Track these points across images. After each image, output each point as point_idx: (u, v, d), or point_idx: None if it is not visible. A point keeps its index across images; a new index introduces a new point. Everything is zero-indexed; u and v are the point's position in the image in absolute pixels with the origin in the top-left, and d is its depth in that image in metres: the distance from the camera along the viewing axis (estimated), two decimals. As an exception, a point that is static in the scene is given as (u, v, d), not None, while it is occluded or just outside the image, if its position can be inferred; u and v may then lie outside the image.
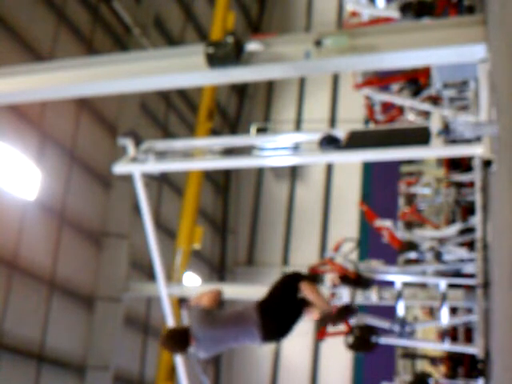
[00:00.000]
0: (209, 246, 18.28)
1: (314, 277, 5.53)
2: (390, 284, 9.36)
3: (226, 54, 5.20)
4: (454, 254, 9.59)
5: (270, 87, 20.90)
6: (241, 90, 20.55)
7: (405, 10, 7.24)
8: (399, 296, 8.87)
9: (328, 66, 5.52)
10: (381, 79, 8.80)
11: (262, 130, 17.27)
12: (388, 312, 9.11)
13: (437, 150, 5.26)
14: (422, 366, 15.13)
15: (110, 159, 9.66)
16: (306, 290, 5.02)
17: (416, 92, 8.92)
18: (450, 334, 11.51)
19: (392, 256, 10.56)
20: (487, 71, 4.59)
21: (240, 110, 20.67)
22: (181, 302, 5.86)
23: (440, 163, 12.81)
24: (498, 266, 4.10)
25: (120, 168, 6.36)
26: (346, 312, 4.96)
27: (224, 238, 19.53)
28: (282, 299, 5.05)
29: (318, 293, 5.06)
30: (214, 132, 17.13)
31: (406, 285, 9.65)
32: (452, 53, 4.98)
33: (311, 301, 4.99)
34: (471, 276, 8.96)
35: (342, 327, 8.05)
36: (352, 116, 16.95)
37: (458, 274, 9.48)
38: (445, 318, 8.76)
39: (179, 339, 4.97)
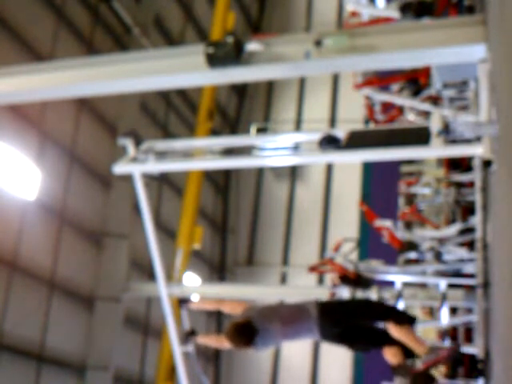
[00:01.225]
0: (209, 246, 18.28)
1: (409, 319, 5.13)
2: (390, 284, 9.38)
3: (226, 54, 5.21)
4: (454, 254, 9.59)
5: (270, 87, 20.90)
6: (241, 90, 20.55)
7: (405, 10, 7.24)
8: (399, 296, 8.88)
9: (328, 66, 5.52)
10: (381, 79, 8.80)
11: (261, 130, 17.27)
12: (388, 312, 9.10)
13: (437, 150, 5.25)
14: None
15: (110, 159, 9.66)
16: (397, 333, 4.74)
17: (416, 92, 8.92)
18: (450, 333, 11.51)
19: (392, 256, 10.56)
20: (487, 71, 4.59)
21: (240, 110, 20.67)
22: (180, 303, 5.85)
23: (440, 163, 12.80)
24: (498, 266, 4.10)
25: (120, 168, 6.35)
26: (425, 380, 4.73)
27: (224, 238, 19.52)
28: (352, 312, 4.97)
29: (413, 336, 4.79)
30: (214, 132, 17.13)
31: (405, 285, 9.66)
32: (452, 53, 4.98)
33: (403, 342, 4.75)
34: (471, 276, 8.96)
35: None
36: (352, 116, 16.94)
37: (458, 274, 9.49)
38: (445, 318, 8.77)
39: (245, 332, 4.99)
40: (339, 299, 5.18)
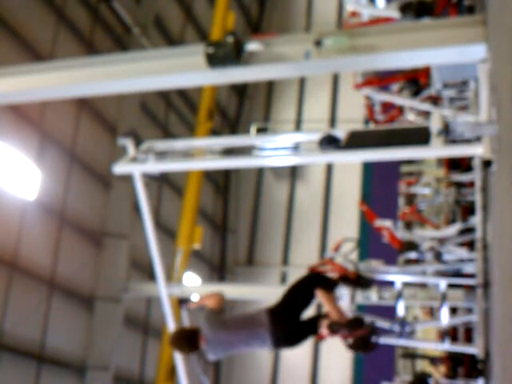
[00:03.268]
0: (209, 246, 18.28)
1: (333, 282, 5.44)
2: (390, 284, 9.37)
3: (226, 54, 5.20)
4: (454, 254, 9.59)
5: (270, 87, 20.90)
6: (241, 90, 20.55)
7: (405, 10, 7.24)
8: (399, 296, 8.87)
9: (328, 66, 5.52)
10: (381, 79, 8.80)
11: (261, 130, 17.27)
12: (388, 312, 9.12)
13: (437, 150, 5.26)
14: (422, 365, 15.13)
15: (110, 159, 9.67)
16: (321, 298, 4.98)
17: (416, 92, 8.92)
18: (450, 333, 11.50)
19: (392, 256, 10.56)
20: (487, 71, 4.59)
21: (240, 110, 20.66)
22: (180, 303, 5.84)
23: (440, 163, 12.81)
24: (498, 266, 4.10)
25: (120, 168, 6.36)
26: (355, 325, 4.89)
27: (224, 237, 19.52)
28: (296, 304, 4.98)
29: (333, 302, 4.98)
30: (214, 132, 17.13)
31: (406, 285, 9.65)
32: (452, 53, 4.98)
33: (325, 304, 4.94)
34: (471, 276, 8.96)
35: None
36: (352, 116, 16.95)
37: (458, 273, 9.48)
38: (445, 318, 8.76)
39: (189, 340, 4.94)
40: (284, 295, 5.08)
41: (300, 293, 5.09)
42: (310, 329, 4.98)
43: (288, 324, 4.90)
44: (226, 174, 19.78)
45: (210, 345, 4.91)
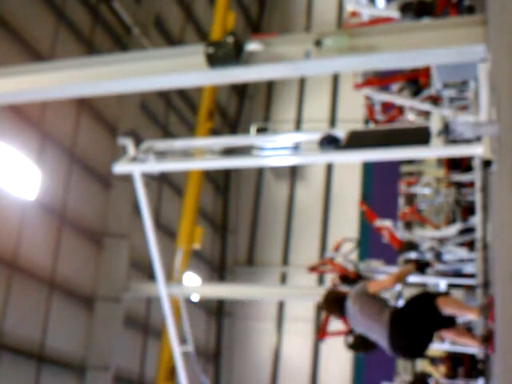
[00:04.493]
0: (209, 246, 18.28)
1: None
2: (390, 284, 9.34)
3: (226, 54, 5.20)
4: (454, 254, 9.59)
5: (270, 87, 20.90)
6: (241, 90, 20.55)
7: (405, 10, 7.24)
8: (399, 296, 8.86)
9: (328, 66, 5.51)
10: (381, 79, 8.79)
11: (262, 130, 17.25)
12: (388, 312, 9.09)
13: (437, 150, 5.26)
14: (422, 366, 15.12)
15: (110, 159, 9.66)
16: (446, 306, 4.98)
17: (416, 92, 8.91)
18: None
19: (392, 256, 10.56)
20: (487, 71, 4.59)
21: (240, 110, 20.67)
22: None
23: (440, 163, 12.80)
24: (498, 266, 4.10)
25: (120, 168, 6.36)
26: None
27: (224, 237, 19.52)
28: (419, 318, 4.98)
29: (459, 302, 5.13)
30: (214, 132, 17.13)
31: (405, 285, 9.64)
32: (452, 53, 4.97)
33: (456, 312, 5.03)
34: (471, 276, 8.96)
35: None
36: (352, 116, 16.96)
37: (458, 274, 9.49)
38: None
39: (337, 302, 5.30)
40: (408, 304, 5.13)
41: (423, 305, 5.10)
42: (429, 338, 5.03)
43: (407, 336, 4.95)
44: (226, 173, 19.78)
45: (348, 315, 5.19)
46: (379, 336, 4.94)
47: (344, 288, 8.83)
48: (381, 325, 4.87)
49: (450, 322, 5.05)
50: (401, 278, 5.33)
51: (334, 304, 5.35)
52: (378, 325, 4.88)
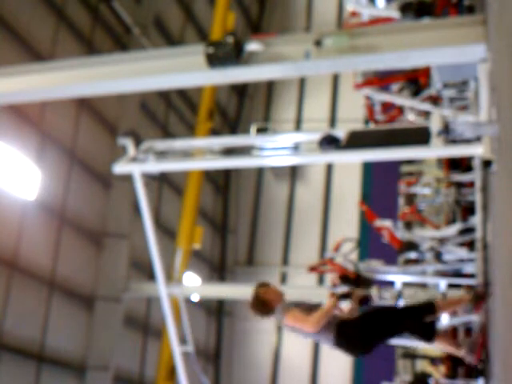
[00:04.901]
0: (209, 246, 18.28)
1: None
2: (390, 284, 9.36)
3: (226, 54, 5.20)
4: (454, 254, 9.58)
5: (269, 87, 20.90)
6: (241, 90, 20.55)
7: (405, 10, 7.23)
8: (399, 296, 8.87)
9: (328, 66, 5.51)
10: (381, 79, 8.78)
11: (262, 130, 17.25)
12: (388, 312, 9.09)
13: (437, 150, 5.26)
14: (422, 366, 15.12)
15: (110, 159, 9.67)
16: (444, 308, 5.20)
17: (416, 92, 8.91)
18: (450, 333, 11.49)
19: (392, 256, 10.55)
20: (487, 71, 4.59)
21: (240, 110, 20.67)
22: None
23: (440, 163, 12.79)
24: (498, 266, 4.10)
25: (120, 168, 6.37)
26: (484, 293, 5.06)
27: (224, 237, 19.52)
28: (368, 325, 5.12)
29: (450, 299, 5.26)
30: (214, 132, 17.13)
31: (405, 285, 9.65)
32: (452, 53, 4.97)
33: (453, 307, 5.28)
34: (471, 276, 8.96)
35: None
36: (352, 116, 16.94)
37: (458, 273, 9.48)
38: (445, 318, 8.75)
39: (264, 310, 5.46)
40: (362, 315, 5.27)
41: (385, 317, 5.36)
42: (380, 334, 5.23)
43: (351, 340, 5.17)
44: (226, 173, 19.78)
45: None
46: (329, 342, 5.11)
47: (344, 288, 8.82)
48: (330, 334, 5.07)
49: (429, 333, 5.16)
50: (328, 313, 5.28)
51: (261, 309, 5.40)
52: (328, 334, 5.08)
